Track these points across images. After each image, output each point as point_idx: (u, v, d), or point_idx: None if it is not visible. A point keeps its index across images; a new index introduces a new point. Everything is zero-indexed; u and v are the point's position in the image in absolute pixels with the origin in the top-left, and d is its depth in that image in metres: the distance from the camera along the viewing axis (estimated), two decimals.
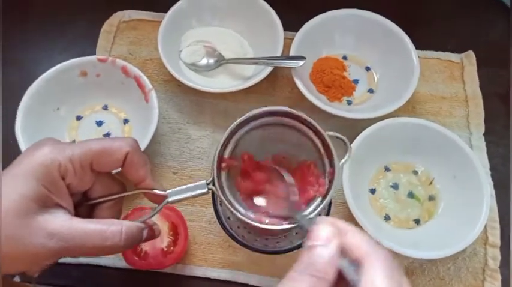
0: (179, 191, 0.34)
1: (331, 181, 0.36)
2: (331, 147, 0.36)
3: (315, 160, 0.37)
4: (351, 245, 0.26)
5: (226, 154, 0.37)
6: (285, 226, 0.35)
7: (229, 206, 0.35)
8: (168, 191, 0.34)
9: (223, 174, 0.37)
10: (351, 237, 0.26)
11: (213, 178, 0.35)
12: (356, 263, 0.25)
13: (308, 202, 0.36)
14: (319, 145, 0.37)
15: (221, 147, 0.37)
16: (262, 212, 0.36)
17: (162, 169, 0.52)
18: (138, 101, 0.52)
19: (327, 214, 0.42)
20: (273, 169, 0.38)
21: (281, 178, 0.37)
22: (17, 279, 0.43)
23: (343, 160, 0.37)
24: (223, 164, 0.37)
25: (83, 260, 0.47)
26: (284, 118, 0.38)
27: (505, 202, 0.49)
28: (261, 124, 0.38)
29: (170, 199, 0.34)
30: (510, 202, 0.49)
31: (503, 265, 0.46)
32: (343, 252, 0.25)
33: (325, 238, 0.26)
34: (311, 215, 0.35)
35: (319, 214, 0.36)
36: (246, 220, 0.34)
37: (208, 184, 0.35)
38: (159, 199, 0.34)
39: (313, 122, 0.37)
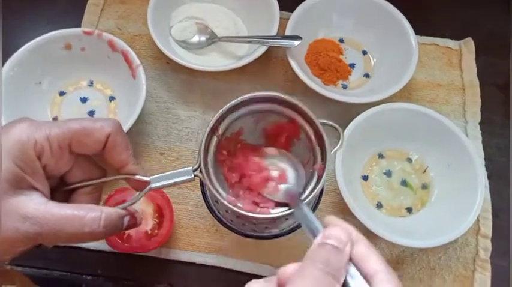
0: (163, 178, 0.33)
1: (321, 172, 0.35)
2: (324, 137, 0.35)
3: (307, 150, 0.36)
4: (361, 256, 0.24)
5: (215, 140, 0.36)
6: (275, 214, 0.34)
7: (217, 195, 0.34)
8: (151, 178, 0.32)
9: (210, 160, 0.35)
10: (362, 248, 0.25)
11: (200, 164, 0.34)
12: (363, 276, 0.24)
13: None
14: (311, 134, 0.36)
15: (209, 133, 0.35)
16: (252, 200, 0.35)
17: (149, 150, 0.50)
18: (125, 77, 0.50)
19: (316, 204, 0.40)
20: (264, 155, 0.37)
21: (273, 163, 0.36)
22: None
23: (335, 149, 0.35)
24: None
25: None
26: (276, 105, 0.36)
27: (498, 193, 0.48)
28: (251, 111, 0.36)
29: (153, 185, 0.32)
30: (510, 194, 0.48)
31: (494, 256, 0.45)
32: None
33: (341, 240, 0.24)
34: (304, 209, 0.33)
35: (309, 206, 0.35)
36: (234, 208, 0.33)
37: (194, 170, 0.33)
38: (142, 185, 0.32)
39: (306, 109, 0.35)
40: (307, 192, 0.35)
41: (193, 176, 0.33)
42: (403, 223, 0.46)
